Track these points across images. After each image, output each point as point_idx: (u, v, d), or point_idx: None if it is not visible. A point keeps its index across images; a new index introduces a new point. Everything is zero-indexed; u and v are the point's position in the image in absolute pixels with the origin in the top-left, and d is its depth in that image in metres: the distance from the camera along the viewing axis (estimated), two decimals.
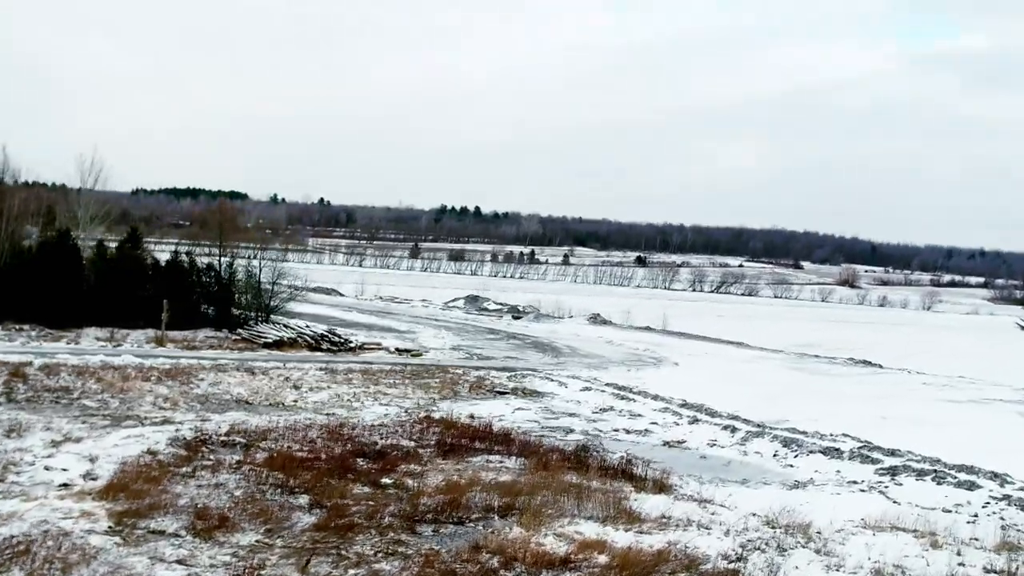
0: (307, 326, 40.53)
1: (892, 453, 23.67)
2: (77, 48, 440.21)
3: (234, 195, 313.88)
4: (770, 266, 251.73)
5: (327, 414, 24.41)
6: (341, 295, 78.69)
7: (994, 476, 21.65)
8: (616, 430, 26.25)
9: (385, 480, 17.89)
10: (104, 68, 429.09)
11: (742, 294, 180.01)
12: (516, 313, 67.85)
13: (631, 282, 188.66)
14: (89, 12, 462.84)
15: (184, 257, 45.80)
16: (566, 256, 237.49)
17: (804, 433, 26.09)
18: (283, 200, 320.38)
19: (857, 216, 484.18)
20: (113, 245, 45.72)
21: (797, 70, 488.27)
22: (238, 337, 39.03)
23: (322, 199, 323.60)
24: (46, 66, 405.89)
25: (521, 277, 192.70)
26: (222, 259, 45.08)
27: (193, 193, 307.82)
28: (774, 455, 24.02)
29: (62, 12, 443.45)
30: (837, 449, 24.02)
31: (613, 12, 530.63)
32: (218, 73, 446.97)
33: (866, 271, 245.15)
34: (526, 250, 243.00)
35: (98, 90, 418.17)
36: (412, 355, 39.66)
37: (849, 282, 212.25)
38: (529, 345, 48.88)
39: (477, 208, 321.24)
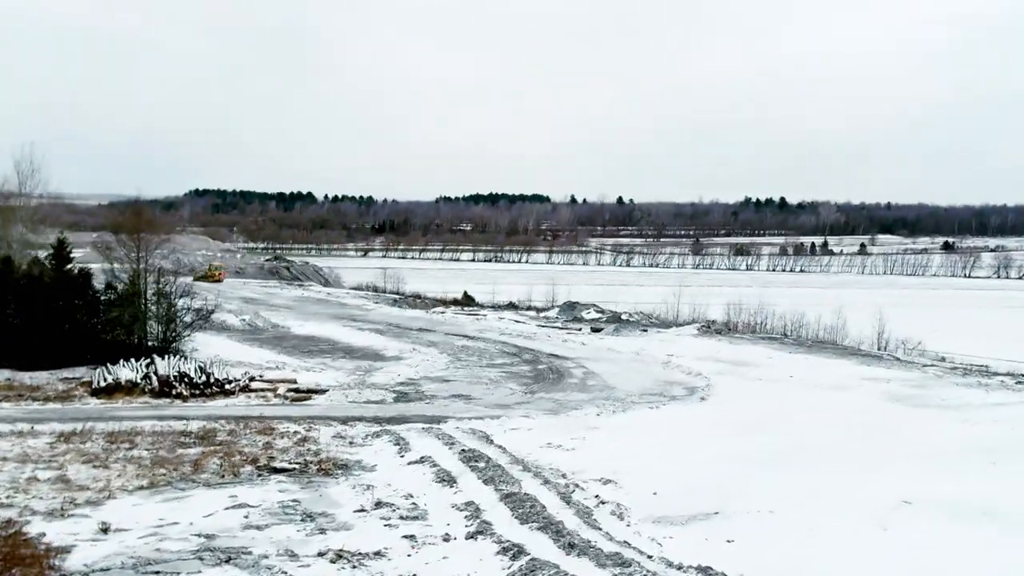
0: (181, 361, 32.92)
1: None
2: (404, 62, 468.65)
3: (536, 198, 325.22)
4: None
5: None
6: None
7: None
8: (306, 558, 16.53)
9: None
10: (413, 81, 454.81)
11: None
12: (599, 325, 57.54)
13: (926, 271, 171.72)
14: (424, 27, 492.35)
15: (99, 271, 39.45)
16: (863, 245, 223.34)
17: (623, 566, 15.34)
18: (583, 201, 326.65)
19: None
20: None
21: None
22: (87, 380, 32.17)
23: (620, 198, 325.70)
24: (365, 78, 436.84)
25: (802, 271, 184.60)
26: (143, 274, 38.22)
27: (493, 198, 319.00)
28: None
29: (395, 25, 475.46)
30: None
31: None
32: (520, 79, 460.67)
33: None
34: (818, 241, 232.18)
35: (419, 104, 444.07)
36: (295, 400, 31.20)
37: None
38: (533, 375, 38.94)
39: (782, 199, 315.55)
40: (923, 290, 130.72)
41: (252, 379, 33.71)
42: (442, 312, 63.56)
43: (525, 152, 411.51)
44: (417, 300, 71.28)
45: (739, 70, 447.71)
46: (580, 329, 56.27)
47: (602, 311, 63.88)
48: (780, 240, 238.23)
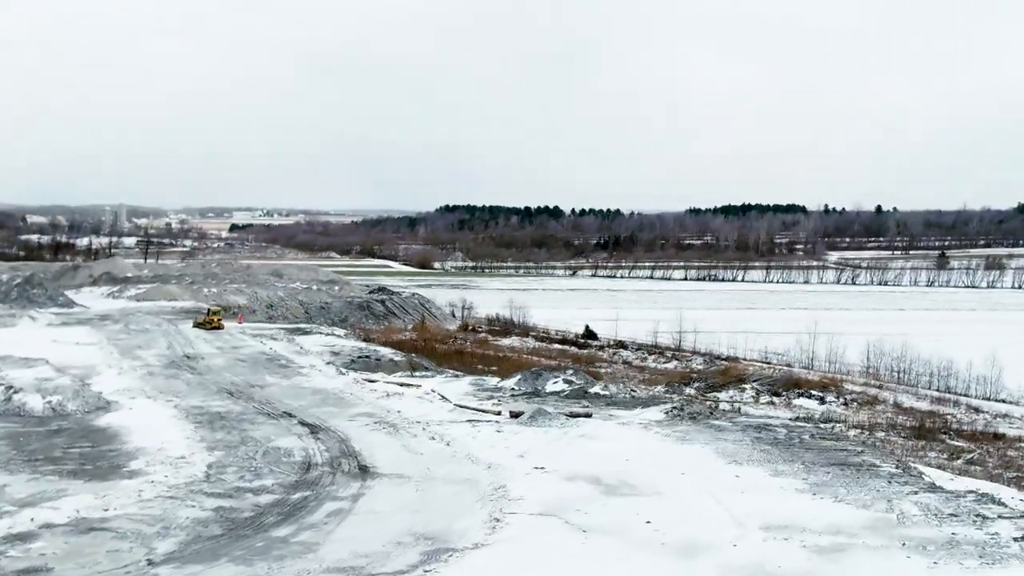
0: None
1: None
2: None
3: (790, 208, 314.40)
4: None
5: None
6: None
7: None
8: None
9: None
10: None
11: None
12: (521, 408, 44.82)
13: None
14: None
15: None
16: None
17: None
18: (841, 210, 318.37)
19: None
20: None
21: None
22: None
23: (879, 207, 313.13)
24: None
25: None
26: None
27: (744, 209, 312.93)
28: None
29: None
30: None
31: None
32: (796, 85, 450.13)
33: None
34: None
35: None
36: None
37: None
38: (245, 520, 27.97)
39: None
40: None
41: None
42: (371, 381, 52.87)
43: (787, 159, 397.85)
44: (379, 361, 61.33)
45: None
46: (499, 413, 43.75)
47: (571, 381, 51.48)
48: None
